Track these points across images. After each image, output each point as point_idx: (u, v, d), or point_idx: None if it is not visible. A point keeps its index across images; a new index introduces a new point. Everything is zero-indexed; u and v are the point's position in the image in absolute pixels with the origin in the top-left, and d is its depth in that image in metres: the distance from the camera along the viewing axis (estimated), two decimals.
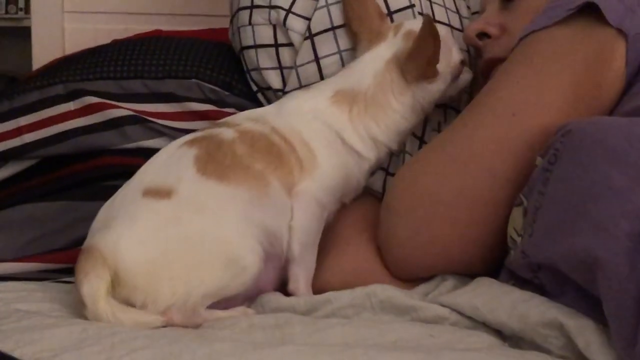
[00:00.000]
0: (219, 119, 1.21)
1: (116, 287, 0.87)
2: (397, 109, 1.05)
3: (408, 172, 1.00)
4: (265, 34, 1.21)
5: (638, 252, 0.72)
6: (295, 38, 1.19)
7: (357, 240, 1.05)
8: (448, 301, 0.90)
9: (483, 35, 1.14)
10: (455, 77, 1.10)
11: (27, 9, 1.81)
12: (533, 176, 0.87)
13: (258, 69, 1.22)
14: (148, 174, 0.96)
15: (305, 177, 0.99)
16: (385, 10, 1.18)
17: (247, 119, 1.04)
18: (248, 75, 1.25)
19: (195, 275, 0.89)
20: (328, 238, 1.03)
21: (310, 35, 1.18)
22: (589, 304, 0.78)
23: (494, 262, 0.95)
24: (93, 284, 0.86)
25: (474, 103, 0.98)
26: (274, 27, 1.20)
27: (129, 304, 0.88)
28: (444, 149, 0.97)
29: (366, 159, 1.05)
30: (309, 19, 1.19)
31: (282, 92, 1.20)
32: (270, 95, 1.23)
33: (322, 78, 1.16)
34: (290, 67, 1.20)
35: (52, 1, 1.62)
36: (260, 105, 1.25)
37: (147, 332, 0.81)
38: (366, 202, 1.09)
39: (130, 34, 1.47)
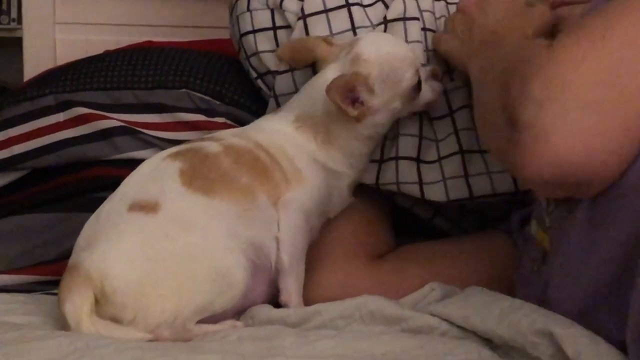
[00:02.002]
0: (210, 128, 1.22)
1: (103, 306, 0.87)
2: (352, 137, 1.04)
3: (591, 43, 0.76)
4: (263, 18, 1.20)
5: None
6: (292, 19, 1.18)
7: (346, 255, 1.05)
8: (438, 310, 0.90)
9: None
10: (412, 98, 1.06)
11: (19, 19, 1.81)
12: None
13: (256, 53, 1.21)
14: (132, 187, 0.96)
15: (291, 190, 0.99)
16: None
17: (231, 134, 1.04)
18: (247, 62, 1.23)
19: (185, 291, 0.89)
20: (315, 253, 1.03)
21: (303, 16, 1.17)
22: None
23: None
24: (75, 304, 0.86)
25: None
26: (272, 11, 1.20)
27: (117, 321, 0.87)
28: (611, 33, 0.75)
29: (345, 175, 1.05)
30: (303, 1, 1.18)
31: (277, 73, 1.19)
32: (269, 80, 1.21)
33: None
34: None
35: (43, 12, 1.63)
36: (252, 112, 1.25)
37: (136, 344, 0.81)
38: (353, 218, 1.09)
39: (121, 45, 1.47)
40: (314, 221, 1.03)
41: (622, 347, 0.74)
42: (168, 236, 0.90)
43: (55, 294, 0.92)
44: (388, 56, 1.04)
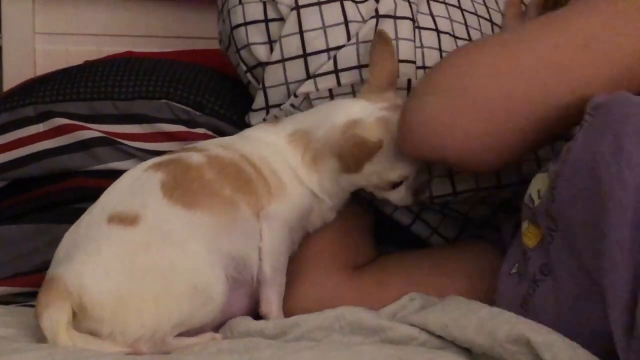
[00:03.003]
0: (190, 139, 1.22)
1: (81, 319, 0.86)
2: (329, 174, 1.03)
3: (466, 58, 0.95)
4: (255, 10, 1.19)
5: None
6: (285, 11, 1.18)
7: (325, 268, 1.05)
8: (417, 320, 0.91)
9: None
10: (383, 188, 1.04)
11: None
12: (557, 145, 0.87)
13: (247, 45, 1.20)
14: (112, 199, 0.95)
15: (274, 202, 0.99)
16: None
17: (216, 145, 1.04)
18: (237, 56, 1.23)
19: (164, 306, 0.88)
20: (296, 266, 1.03)
21: (296, 6, 1.17)
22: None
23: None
24: (52, 317, 0.85)
25: (550, 19, 0.94)
26: (264, 3, 1.20)
27: (95, 335, 0.86)
28: (504, 52, 0.93)
29: (323, 200, 1.04)
30: None
31: (268, 63, 1.19)
32: (259, 72, 1.21)
33: (304, 52, 1.14)
34: None
35: (23, 22, 1.62)
36: (233, 122, 1.25)
37: (114, 357, 0.81)
38: (332, 229, 1.09)
39: (102, 55, 1.47)
40: (295, 235, 1.03)
41: (608, 339, 0.75)
42: (147, 249, 0.89)
43: (34, 306, 0.91)
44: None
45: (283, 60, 1.15)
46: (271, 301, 0.99)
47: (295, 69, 1.15)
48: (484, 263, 1.08)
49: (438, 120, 0.92)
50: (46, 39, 1.62)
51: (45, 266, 0.96)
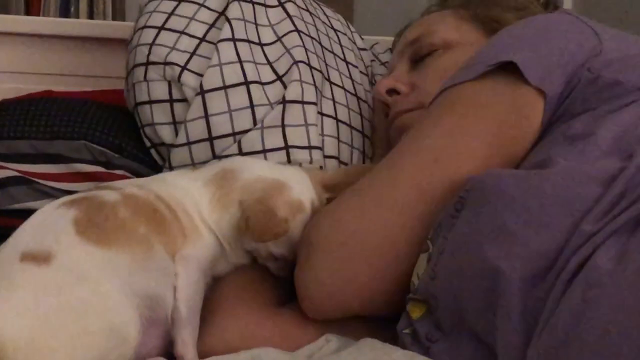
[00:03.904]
0: (108, 180, 1.22)
1: None
2: (227, 222, 1.02)
3: (334, 212, 0.99)
4: (160, 90, 1.21)
5: (528, 292, 0.77)
6: (190, 94, 1.19)
7: (247, 305, 1.05)
8: None
9: (392, 92, 1.20)
10: (266, 258, 1.06)
11: None
12: (440, 223, 0.91)
13: (152, 124, 1.22)
14: (24, 237, 0.93)
15: (188, 244, 1.00)
16: None
17: (131, 184, 1.04)
18: (142, 132, 1.24)
19: (78, 347, 0.86)
20: (213, 304, 1.03)
21: (201, 92, 1.19)
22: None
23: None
24: None
25: (398, 148, 1.00)
26: (169, 83, 1.20)
27: None
28: (368, 192, 0.98)
29: (223, 246, 1.04)
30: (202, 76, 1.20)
31: (173, 146, 1.20)
32: (163, 151, 1.22)
33: (210, 135, 1.17)
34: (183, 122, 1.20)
35: None
36: (150, 166, 1.26)
37: None
38: (255, 268, 1.09)
39: (20, 93, 1.45)
40: (207, 277, 1.03)
41: None
42: (60, 289, 0.87)
43: None
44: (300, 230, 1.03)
45: (189, 143, 1.17)
46: (187, 342, 0.98)
47: (202, 151, 1.17)
48: None
49: (333, 281, 0.96)
50: None
51: None
